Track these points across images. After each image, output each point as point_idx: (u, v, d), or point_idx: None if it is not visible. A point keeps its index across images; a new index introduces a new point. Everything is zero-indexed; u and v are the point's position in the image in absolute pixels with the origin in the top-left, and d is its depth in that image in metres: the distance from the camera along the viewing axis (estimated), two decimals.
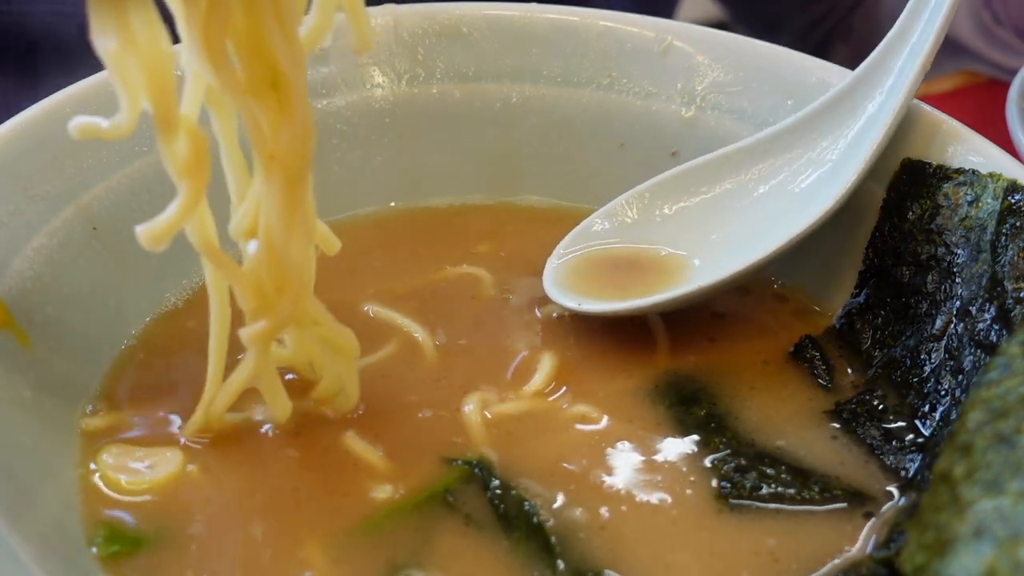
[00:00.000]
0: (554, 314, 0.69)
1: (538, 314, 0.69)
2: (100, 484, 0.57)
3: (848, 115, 0.68)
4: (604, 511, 0.56)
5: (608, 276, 0.69)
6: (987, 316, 0.58)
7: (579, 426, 0.61)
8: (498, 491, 0.56)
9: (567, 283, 0.69)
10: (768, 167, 0.70)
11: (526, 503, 0.56)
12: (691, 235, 0.70)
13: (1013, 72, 0.96)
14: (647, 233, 0.71)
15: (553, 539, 0.54)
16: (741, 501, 0.57)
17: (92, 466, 0.58)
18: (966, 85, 1.22)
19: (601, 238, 0.72)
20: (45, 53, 1.05)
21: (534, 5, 0.78)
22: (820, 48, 1.46)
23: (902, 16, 0.67)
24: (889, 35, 0.67)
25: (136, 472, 0.57)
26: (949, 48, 1.26)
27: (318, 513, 0.56)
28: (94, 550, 0.53)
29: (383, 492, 0.57)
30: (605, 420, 0.62)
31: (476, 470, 0.58)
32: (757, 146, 0.71)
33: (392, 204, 0.79)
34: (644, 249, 0.71)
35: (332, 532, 0.55)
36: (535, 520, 0.55)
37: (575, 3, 0.79)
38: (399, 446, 0.59)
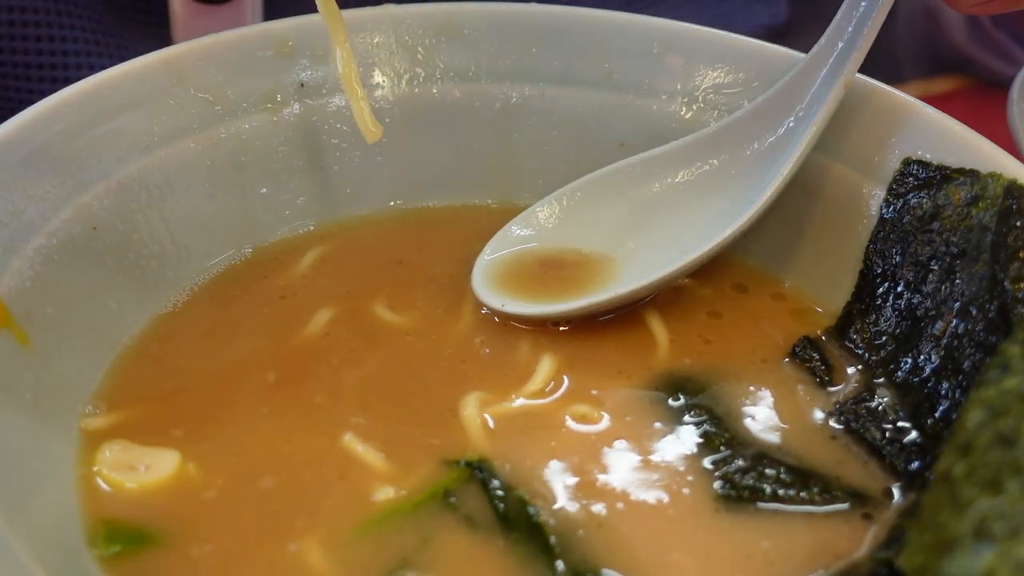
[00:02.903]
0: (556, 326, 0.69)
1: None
2: (100, 484, 0.57)
3: (770, 126, 0.70)
4: (603, 511, 0.56)
5: (536, 277, 0.70)
6: (987, 316, 0.58)
7: (578, 426, 0.61)
8: (498, 492, 0.56)
9: (495, 282, 0.69)
10: (696, 170, 0.71)
11: (527, 504, 0.56)
12: (618, 237, 0.71)
13: (1007, 78, 0.96)
14: (575, 233, 0.72)
15: (552, 539, 0.54)
16: (741, 502, 0.57)
17: (92, 466, 0.58)
18: (966, 85, 1.22)
19: (530, 239, 0.73)
20: None
21: (534, 5, 0.78)
22: None
23: (838, 14, 0.68)
24: (825, 33, 0.68)
25: (135, 472, 0.57)
26: (944, 56, 1.26)
27: (318, 513, 0.56)
28: (94, 550, 0.53)
29: (384, 494, 0.57)
30: (604, 420, 0.62)
31: (476, 471, 0.58)
32: (686, 149, 0.72)
33: (392, 204, 0.79)
34: (571, 250, 0.72)
35: (332, 532, 0.55)
36: (535, 520, 0.55)
37: (574, 2, 0.79)
38: (399, 447, 0.59)
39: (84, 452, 0.59)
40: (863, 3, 0.66)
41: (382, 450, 0.59)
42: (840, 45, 0.67)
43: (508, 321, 0.68)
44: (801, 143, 0.67)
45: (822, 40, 0.68)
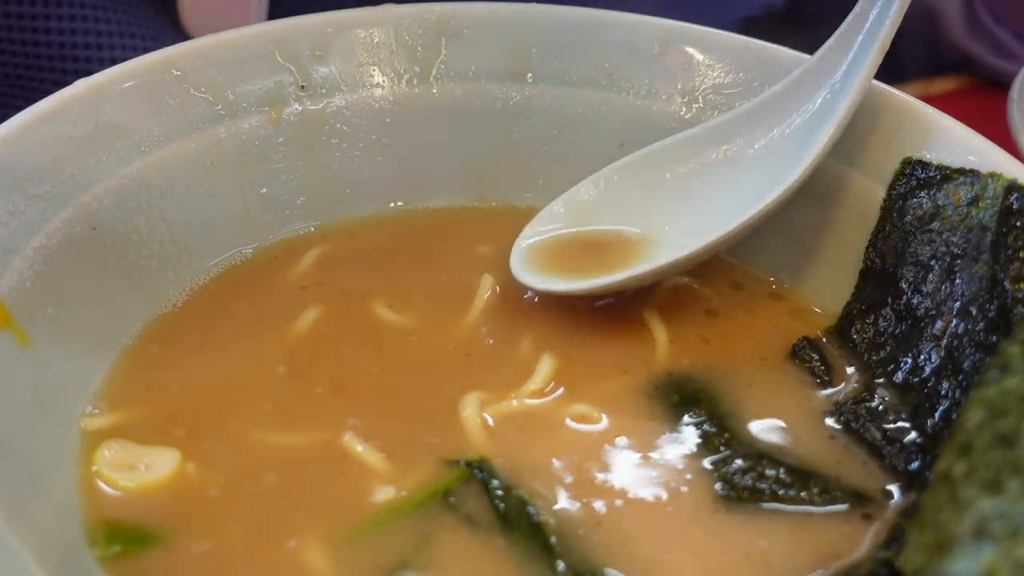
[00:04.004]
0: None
1: (536, 312, 0.69)
2: (100, 484, 0.57)
3: (805, 99, 0.69)
4: (603, 510, 0.56)
5: (573, 257, 0.70)
6: (987, 316, 0.58)
7: (578, 426, 0.61)
8: (499, 491, 0.56)
9: (533, 264, 0.70)
10: (732, 148, 0.71)
11: (527, 503, 0.56)
12: (654, 216, 0.71)
13: (1008, 75, 0.96)
14: (612, 214, 0.72)
15: (553, 539, 0.54)
16: (740, 502, 0.57)
17: (92, 466, 0.58)
18: (966, 85, 1.22)
19: (565, 220, 0.73)
20: None
21: (534, 5, 0.78)
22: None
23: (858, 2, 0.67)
24: (847, 20, 0.68)
25: (135, 471, 0.57)
26: (944, 56, 1.26)
27: (318, 512, 0.56)
28: (95, 550, 0.53)
29: (384, 493, 0.57)
30: (604, 420, 0.62)
31: (476, 471, 0.58)
32: (722, 127, 0.72)
33: (392, 205, 0.79)
34: (608, 230, 0.72)
35: (332, 531, 0.55)
36: (535, 520, 0.55)
37: (574, 2, 0.79)
38: (399, 447, 0.59)
39: (84, 452, 0.58)
40: None
41: (382, 450, 0.59)
42: (875, 10, 0.66)
43: (548, 298, 0.69)
44: (839, 111, 0.66)
45: (856, 8, 0.68)
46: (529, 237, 0.72)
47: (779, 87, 0.70)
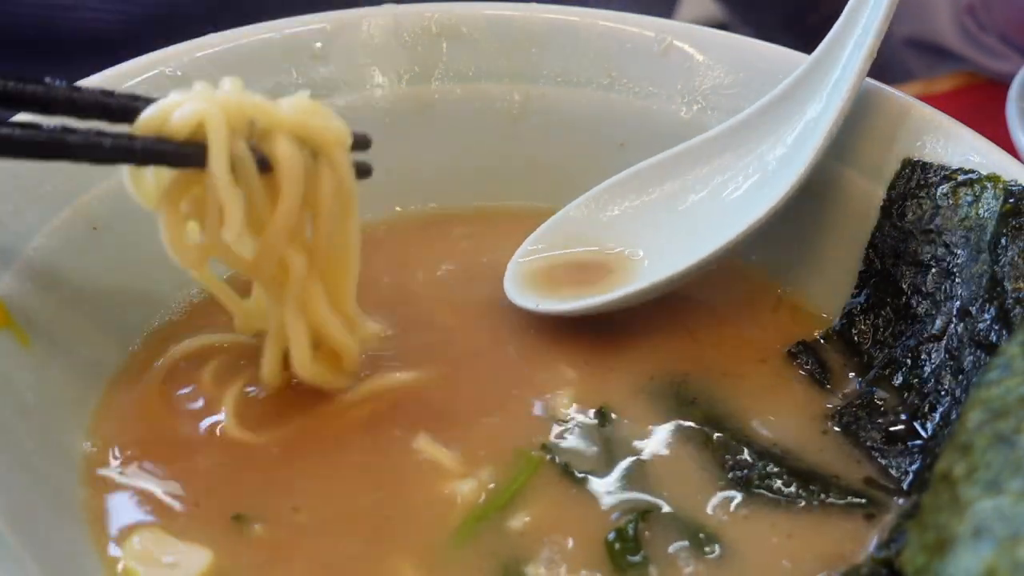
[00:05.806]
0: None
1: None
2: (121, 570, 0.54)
3: (793, 113, 0.69)
4: None
5: (565, 277, 0.70)
6: (987, 316, 0.58)
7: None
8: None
9: (526, 285, 0.69)
10: (719, 164, 0.71)
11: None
12: (643, 235, 0.71)
13: (1005, 75, 0.96)
14: (602, 235, 0.72)
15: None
16: (739, 503, 0.57)
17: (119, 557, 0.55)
18: (965, 85, 1.22)
19: (558, 242, 0.72)
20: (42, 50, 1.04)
21: (534, 5, 0.78)
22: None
23: (844, 12, 0.67)
24: (833, 29, 0.67)
25: (160, 566, 0.54)
26: (939, 55, 1.26)
27: (405, 530, 0.56)
28: None
29: (465, 486, 0.57)
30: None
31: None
32: (707, 143, 0.71)
33: (390, 208, 0.78)
34: (598, 251, 0.71)
35: (425, 548, 0.55)
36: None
37: (574, 2, 0.79)
38: (468, 444, 0.60)
39: (85, 451, 0.58)
40: None
41: (457, 450, 0.59)
42: (862, 19, 0.66)
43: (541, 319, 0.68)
44: (828, 122, 0.65)
45: (837, 23, 0.67)
46: (521, 258, 0.71)
47: (766, 100, 0.70)
